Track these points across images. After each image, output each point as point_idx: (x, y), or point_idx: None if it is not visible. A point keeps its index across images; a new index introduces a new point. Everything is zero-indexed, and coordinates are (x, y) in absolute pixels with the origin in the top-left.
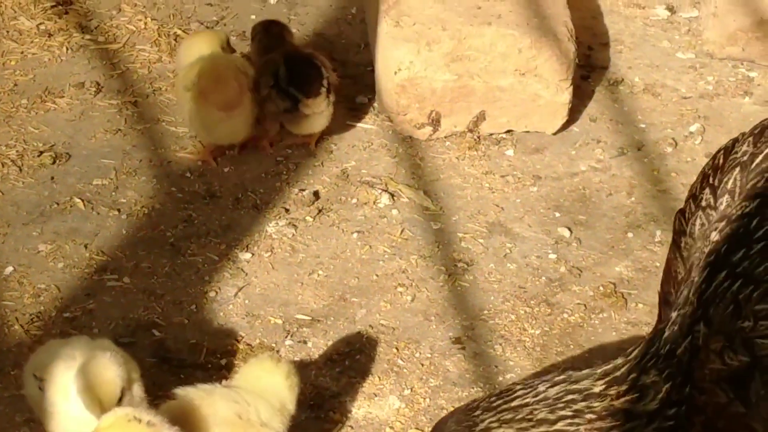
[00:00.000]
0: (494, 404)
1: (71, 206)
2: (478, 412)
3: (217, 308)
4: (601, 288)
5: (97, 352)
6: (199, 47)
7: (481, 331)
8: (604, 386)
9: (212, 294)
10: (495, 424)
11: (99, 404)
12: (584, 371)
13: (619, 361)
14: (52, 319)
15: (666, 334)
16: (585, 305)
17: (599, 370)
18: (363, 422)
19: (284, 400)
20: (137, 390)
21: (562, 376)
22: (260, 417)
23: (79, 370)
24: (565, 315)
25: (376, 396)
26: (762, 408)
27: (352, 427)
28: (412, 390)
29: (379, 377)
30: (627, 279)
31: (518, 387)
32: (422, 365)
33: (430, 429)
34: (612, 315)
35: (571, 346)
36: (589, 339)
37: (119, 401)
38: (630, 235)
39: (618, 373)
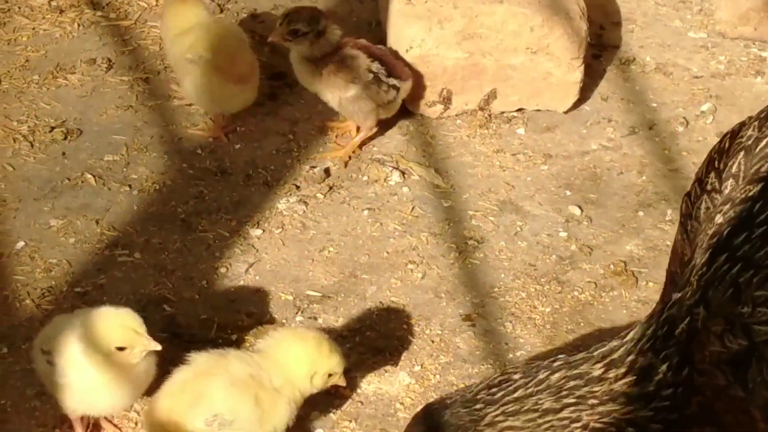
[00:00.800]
0: (496, 396)
1: (82, 182)
2: (479, 406)
3: (228, 284)
4: (611, 266)
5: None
6: (186, 15)
7: (492, 309)
8: (602, 370)
9: (223, 270)
10: (501, 417)
11: (99, 352)
12: (580, 355)
13: (615, 343)
14: (63, 293)
15: (664, 315)
16: (595, 283)
17: (596, 353)
18: (373, 398)
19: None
20: (148, 362)
21: (559, 362)
22: (272, 383)
23: (79, 321)
24: (576, 293)
25: (386, 372)
26: (757, 395)
27: (362, 403)
28: (422, 366)
29: (390, 353)
30: (638, 257)
31: (517, 376)
32: (432, 342)
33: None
34: (622, 293)
35: (582, 324)
36: (599, 317)
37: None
38: (641, 213)
39: (615, 356)
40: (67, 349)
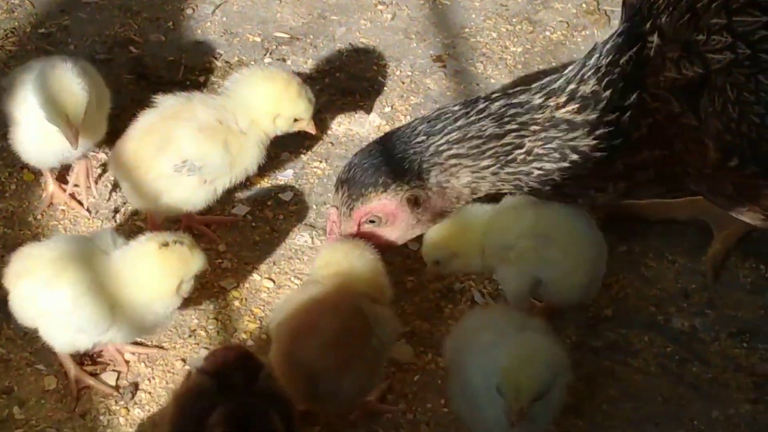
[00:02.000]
0: (437, 127)
1: None
2: (420, 138)
3: (195, 25)
4: (584, 5)
5: (56, 63)
6: None
7: (462, 49)
8: (542, 99)
9: (189, 11)
10: (445, 146)
11: (64, 116)
12: (519, 87)
13: (554, 76)
14: (27, 35)
15: (609, 44)
16: (567, 23)
17: (535, 85)
18: (343, 139)
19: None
20: (101, 114)
21: (497, 93)
22: (239, 125)
23: (37, 81)
24: (548, 33)
25: (356, 113)
26: (710, 124)
27: (332, 144)
28: (392, 108)
29: (360, 95)
30: None
31: (455, 107)
32: (403, 83)
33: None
34: (594, 32)
35: (553, 64)
36: (571, 56)
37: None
38: None
39: (555, 86)
40: (17, 93)
